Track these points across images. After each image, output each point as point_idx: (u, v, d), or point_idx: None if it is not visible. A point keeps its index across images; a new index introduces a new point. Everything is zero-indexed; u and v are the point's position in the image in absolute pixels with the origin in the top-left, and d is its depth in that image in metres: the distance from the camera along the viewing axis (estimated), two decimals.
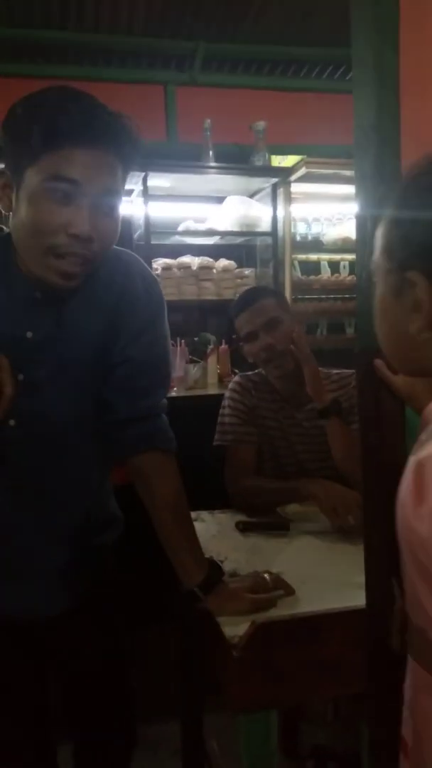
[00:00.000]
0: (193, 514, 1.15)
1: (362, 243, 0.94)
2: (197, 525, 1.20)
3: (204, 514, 1.56)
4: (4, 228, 1.05)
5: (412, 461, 0.64)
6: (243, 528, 1.47)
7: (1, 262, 1.00)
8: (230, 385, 1.79)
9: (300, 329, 1.64)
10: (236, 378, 1.81)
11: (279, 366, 1.64)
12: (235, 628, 1.00)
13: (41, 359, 1.01)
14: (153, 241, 2.97)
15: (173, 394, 2.77)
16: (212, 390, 2.98)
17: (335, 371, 1.72)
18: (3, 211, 0.96)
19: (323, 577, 1.17)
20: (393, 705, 0.98)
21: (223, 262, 3.20)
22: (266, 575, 1.10)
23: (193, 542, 1.10)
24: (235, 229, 3.15)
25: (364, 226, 0.93)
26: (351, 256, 3.36)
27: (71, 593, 1.11)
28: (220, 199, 3.22)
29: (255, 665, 0.99)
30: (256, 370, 1.80)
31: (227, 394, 1.77)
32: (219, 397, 1.81)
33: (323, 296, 3.33)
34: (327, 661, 1.04)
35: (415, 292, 0.63)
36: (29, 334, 1.00)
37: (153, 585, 1.67)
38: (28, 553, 1.07)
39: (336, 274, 3.42)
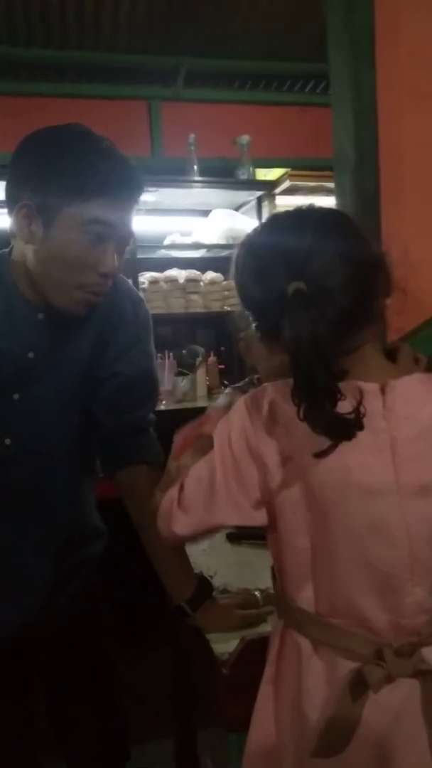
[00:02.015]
0: None
1: None
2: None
3: None
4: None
5: None
6: (233, 538, 1.46)
7: (1, 286, 1.02)
8: (221, 398, 1.78)
9: None
10: (228, 390, 1.80)
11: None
12: (225, 645, 0.99)
13: (38, 379, 1.03)
14: (139, 255, 2.98)
15: (162, 407, 2.76)
16: (201, 402, 2.98)
17: None
18: (23, 242, 0.98)
19: None
20: None
21: (210, 275, 3.22)
22: (257, 592, 1.09)
23: (182, 557, 1.10)
24: (222, 242, 3.17)
25: None
26: None
27: (58, 607, 1.11)
28: (205, 213, 3.25)
29: (245, 682, 0.98)
30: (246, 380, 1.79)
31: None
32: None
33: None
34: None
35: None
36: (31, 355, 1.02)
37: (139, 600, 1.66)
38: (16, 568, 1.07)
39: None
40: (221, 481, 0.77)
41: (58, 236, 0.94)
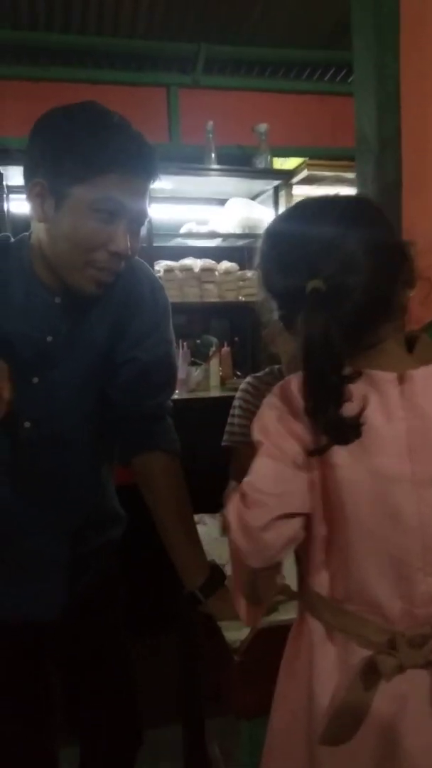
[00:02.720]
0: (195, 517, 1.15)
1: None
2: (199, 528, 1.20)
3: (206, 518, 1.56)
4: (10, 235, 1.06)
5: None
6: None
7: (19, 268, 1.02)
8: (242, 386, 1.77)
9: None
10: (248, 379, 1.79)
11: None
12: (237, 633, 1.00)
13: (57, 362, 1.03)
14: (155, 243, 2.97)
15: (175, 396, 2.76)
16: (214, 392, 2.98)
17: None
18: (37, 221, 0.98)
19: None
20: None
21: (225, 265, 3.20)
22: None
23: (195, 544, 1.11)
24: (238, 231, 3.14)
25: None
26: None
27: (76, 592, 1.12)
28: (222, 202, 3.23)
29: (257, 670, 0.99)
30: (267, 370, 1.78)
31: (239, 394, 1.75)
32: (221, 400, 1.80)
33: None
34: None
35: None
36: (49, 338, 1.03)
37: (155, 588, 1.67)
38: (35, 553, 1.08)
39: None
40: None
41: (69, 214, 0.93)
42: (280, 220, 0.79)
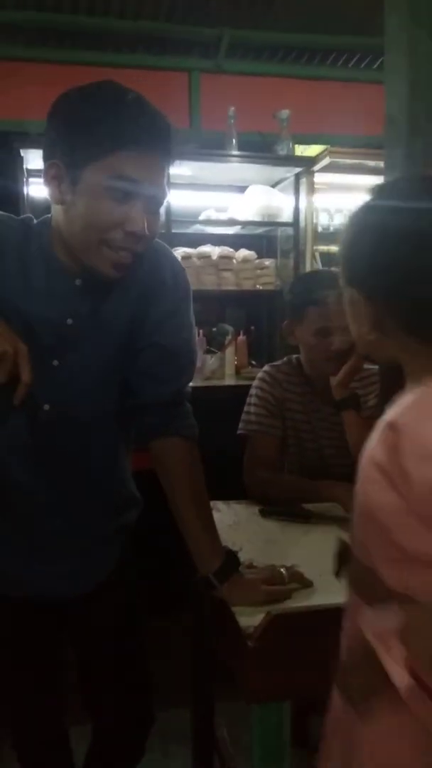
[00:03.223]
0: None
1: None
2: (213, 515, 1.20)
3: (220, 504, 1.56)
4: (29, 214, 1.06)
5: (383, 420, 0.69)
6: (265, 513, 1.47)
7: (40, 251, 1.02)
8: (259, 375, 1.76)
9: None
10: (266, 368, 1.78)
11: (340, 365, 1.55)
12: (251, 619, 1.00)
13: (77, 345, 1.03)
14: (174, 230, 2.96)
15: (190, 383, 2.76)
16: (229, 381, 2.97)
17: (369, 367, 1.63)
18: (53, 202, 0.97)
19: None
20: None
21: (243, 253, 3.18)
22: (282, 569, 1.10)
23: (210, 530, 1.11)
24: (257, 219, 3.12)
25: None
26: None
27: (95, 573, 1.14)
28: (242, 189, 3.20)
29: (270, 656, 0.99)
30: (285, 359, 1.77)
31: (256, 383, 1.75)
32: (236, 389, 1.80)
33: None
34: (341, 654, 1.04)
35: (358, 305, 0.77)
36: (69, 321, 1.02)
37: (170, 572, 1.68)
38: (55, 536, 1.09)
39: None
40: None
41: (84, 194, 0.92)
42: (407, 216, 0.70)
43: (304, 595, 1.07)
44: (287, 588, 1.07)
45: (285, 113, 3.08)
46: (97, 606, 1.16)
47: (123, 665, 1.22)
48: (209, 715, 1.48)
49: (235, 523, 1.46)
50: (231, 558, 1.09)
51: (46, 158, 0.96)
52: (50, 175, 0.95)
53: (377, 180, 0.96)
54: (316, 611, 1.02)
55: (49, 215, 1.04)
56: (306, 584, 1.10)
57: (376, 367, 1.64)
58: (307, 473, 1.65)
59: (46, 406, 1.04)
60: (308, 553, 1.26)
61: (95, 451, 1.10)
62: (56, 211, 0.99)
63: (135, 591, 1.25)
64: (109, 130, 0.90)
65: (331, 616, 1.02)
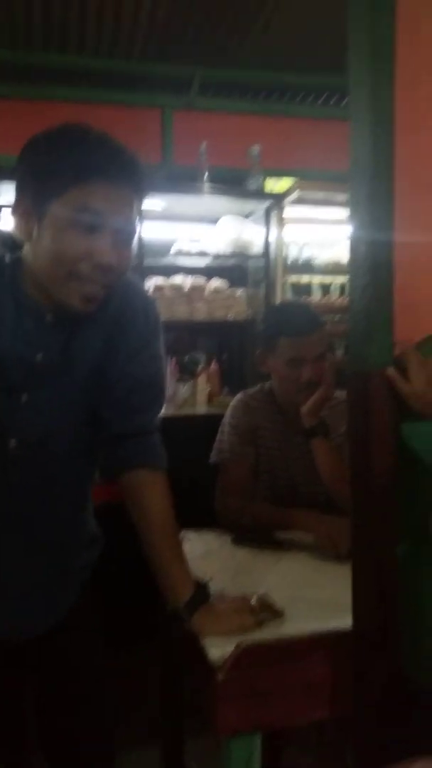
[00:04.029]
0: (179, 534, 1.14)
1: (355, 264, 0.96)
2: (183, 545, 1.20)
3: (190, 534, 1.55)
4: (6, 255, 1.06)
5: None
6: (237, 541, 1.48)
7: (12, 287, 1.02)
8: (233, 403, 1.77)
9: (330, 358, 1.61)
10: (240, 396, 1.79)
11: (309, 395, 1.57)
12: (220, 651, 0.99)
13: (46, 381, 1.02)
14: (147, 261, 2.99)
15: (162, 413, 2.76)
16: (201, 409, 2.98)
17: (338, 394, 1.66)
18: (21, 240, 0.98)
19: (310, 598, 1.17)
20: (378, 729, 0.97)
21: (215, 283, 3.23)
22: (253, 599, 1.09)
23: (180, 561, 1.09)
24: (228, 250, 3.18)
25: (358, 248, 0.95)
26: (342, 279, 3.40)
27: (55, 612, 1.10)
28: (214, 221, 3.26)
29: (240, 688, 0.98)
30: (258, 387, 1.79)
31: (229, 411, 1.75)
32: (208, 417, 1.81)
33: None
34: (313, 684, 1.04)
35: None
36: (39, 357, 1.01)
37: (136, 605, 1.65)
38: (15, 573, 1.06)
39: (327, 296, 3.46)
40: None
41: (50, 226, 0.93)
42: None
43: (274, 625, 1.06)
44: (257, 618, 1.06)
45: (256, 149, 3.17)
46: (57, 647, 1.11)
47: (83, 705, 1.17)
48: (179, 751, 1.45)
49: (206, 552, 1.45)
50: (201, 589, 1.08)
51: (15, 198, 0.97)
52: (18, 213, 0.96)
53: (345, 213, 0.99)
54: (286, 641, 1.02)
55: (21, 252, 1.04)
56: (277, 614, 1.09)
57: (344, 395, 1.67)
58: (278, 501, 1.65)
59: (14, 442, 1.02)
60: (280, 581, 1.26)
61: (60, 488, 1.08)
62: (26, 247, 1.00)
63: (97, 629, 1.22)
64: (73, 164, 0.91)
65: (301, 646, 1.02)
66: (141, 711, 1.50)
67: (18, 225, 0.97)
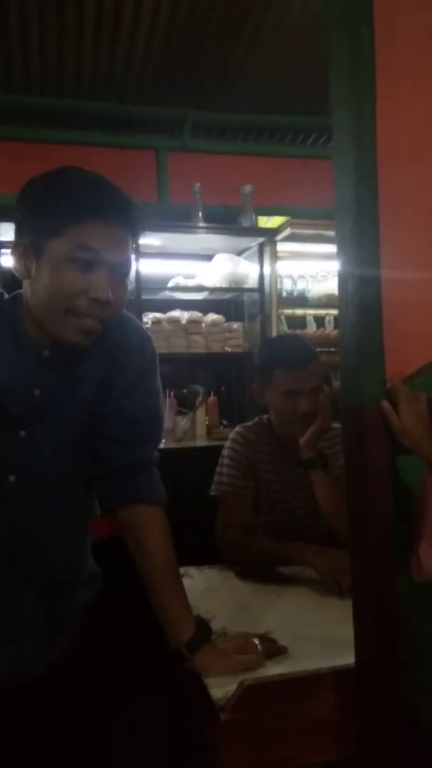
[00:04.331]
0: (180, 570, 1.14)
1: (344, 300, 0.98)
2: (185, 581, 1.19)
3: (192, 570, 1.54)
4: (5, 293, 1.09)
5: None
6: (240, 575, 1.49)
7: (9, 323, 1.04)
8: (231, 436, 1.78)
9: (326, 389, 1.63)
10: (238, 429, 1.80)
11: (308, 427, 1.59)
12: (223, 690, 0.97)
13: (44, 416, 1.03)
14: (144, 296, 3.04)
15: (161, 446, 2.77)
16: (201, 442, 2.99)
17: (336, 426, 1.67)
18: (20, 278, 1.02)
19: (314, 635, 1.15)
20: (386, 765, 0.95)
21: (211, 317, 3.27)
22: (255, 638, 1.08)
23: (180, 599, 1.09)
24: (224, 285, 3.23)
25: (346, 285, 0.97)
26: (336, 312, 3.44)
27: (53, 653, 1.09)
28: (209, 257, 3.33)
29: (243, 728, 0.96)
30: (256, 420, 1.80)
31: (228, 444, 1.76)
32: (207, 449, 1.81)
33: None
34: (318, 723, 1.02)
35: None
36: (37, 392, 1.03)
37: (137, 645, 1.63)
38: (12, 612, 1.05)
39: (321, 329, 3.50)
40: None
41: (48, 264, 0.96)
42: None
43: (278, 662, 1.05)
44: (260, 656, 1.05)
45: (248, 188, 3.25)
46: (56, 690, 1.10)
47: (85, 755, 1.15)
48: None
49: (207, 589, 1.44)
50: (202, 627, 1.07)
51: (15, 238, 1.01)
52: (17, 253, 1.00)
53: (336, 248, 1.02)
54: (291, 679, 1.01)
55: (21, 290, 1.07)
56: (280, 651, 1.08)
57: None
58: (280, 533, 1.65)
59: (12, 478, 1.02)
60: (282, 617, 1.25)
61: (61, 525, 1.08)
62: (24, 285, 1.03)
63: (96, 669, 1.20)
64: (71, 204, 0.95)
65: (305, 684, 1.01)
66: (145, 751, 1.46)
67: (17, 263, 1.00)
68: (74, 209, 0.94)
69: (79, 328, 0.98)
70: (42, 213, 0.96)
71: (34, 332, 1.03)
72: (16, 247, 1.00)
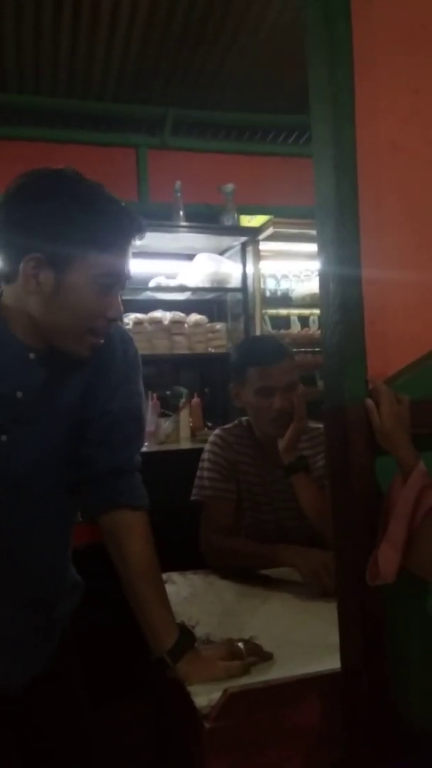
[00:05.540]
0: (163, 576, 1.12)
1: (325, 300, 0.97)
2: (168, 587, 1.17)
3: (175, 576, 1.52)
4: None
5: None
6: (223, 578, 1.47)
7: None
8: (211, 439, 1.76)
9: (301, 388, 1.62)
10: (217, 431, 1.78)
11: (284, 426, 1.57)
12: (207, 698, 0.96)
13: (27, 419, 1.01)
14: (125, 297, 3.00)
15: (144, 449, 2.74)
16: (185, 444, 2.96)
17: (316, 426, 1.67)
18: (27, 292, 0.97)
19: (299, 640, 1.14)
20: None
21: (194, 317, 3.25)
22: (240, 643, 1.07)
23: (163, 605, 1.07)
24: (206, 285, 3.21)
25: (327, 284, 0.96)
26: (319, 311, 3.44)
27: (35, 663, 1.07)
28: (190, 257, 3.30)
29: (228, 736, 0.95)
30: (235, 422, 1.78)
31: (207, 447, 1.74)
32: (192, 452, 1.79)
33: (294, 350, 3.34)
34: (304, 729, 1.01)
35: None
36: (19, 394, 1.00)
37: (120, 653, 1.61)
38: None
39: (306, 328, 3.49)
40: None
41: (72, 286, 0.96)
42: None
43: (262, 669, 1.04)
44: (245, 662, 1.04)
45: (230, 187, 3.23)
46: (39, 701, 1.08)
47: (66, 764, 1.13)
48: None
49: (191, 595, 1.42)
50: (186, 634, 1.06)
51: (15, 245, 0.96)
52: (29, 266, 0.95)
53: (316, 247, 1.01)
54: (276, 685, 0.99)
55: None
56: (265, 657, 1.07)
57: (322, 426, 1.68)
58: (263, 536, 1.63)
59: None
60: (267, 623, 1.23)
61: (44, 532, 1.06)
62: (20, 294, 0.98)
63: (79, 677, 1.18)
64: (99, 231, 0.96)
65: (290, 690, 1.00)
66: (129, 760, 1.44)
67: (25, 276, 0.95)
68: (104, 238, 0.96)
69: (93, 345, 1.01)
70: (65, 226, 0.94)
71: (23, 336, 1.01)
72: (28, 260, 0.94)
